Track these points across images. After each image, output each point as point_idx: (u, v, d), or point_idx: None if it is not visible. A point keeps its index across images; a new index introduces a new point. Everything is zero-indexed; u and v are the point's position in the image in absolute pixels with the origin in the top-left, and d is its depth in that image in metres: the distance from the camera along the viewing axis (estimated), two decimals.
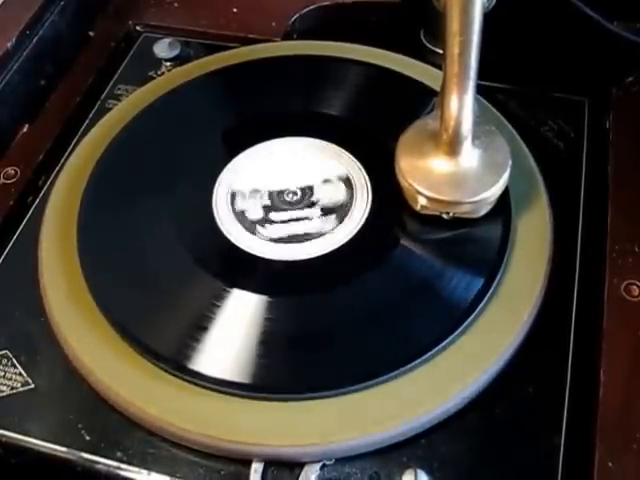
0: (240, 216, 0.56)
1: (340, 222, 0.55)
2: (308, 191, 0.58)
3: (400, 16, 0.73)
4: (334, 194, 0.57)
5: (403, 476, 0.45)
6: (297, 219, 0.56)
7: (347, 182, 0.58)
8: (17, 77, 0.68)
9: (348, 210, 0.56)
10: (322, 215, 0.56)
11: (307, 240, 0.54)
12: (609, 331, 0.51)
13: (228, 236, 0.55)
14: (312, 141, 0.61)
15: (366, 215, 0.55)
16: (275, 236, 0.55)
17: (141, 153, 0.61)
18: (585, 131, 0.63)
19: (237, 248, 0.54)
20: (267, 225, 0.55)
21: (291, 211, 0.56)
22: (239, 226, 0.55)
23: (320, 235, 0.55)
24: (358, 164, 0.59)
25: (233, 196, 0.57)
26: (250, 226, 0.55)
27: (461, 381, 0.48)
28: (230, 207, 0.56)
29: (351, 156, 0.59)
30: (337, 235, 0.55)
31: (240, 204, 0.57)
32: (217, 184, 0.58)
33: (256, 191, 0.58)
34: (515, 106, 0.65)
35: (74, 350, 0.51)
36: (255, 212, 0.56)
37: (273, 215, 0.56)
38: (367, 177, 0.58)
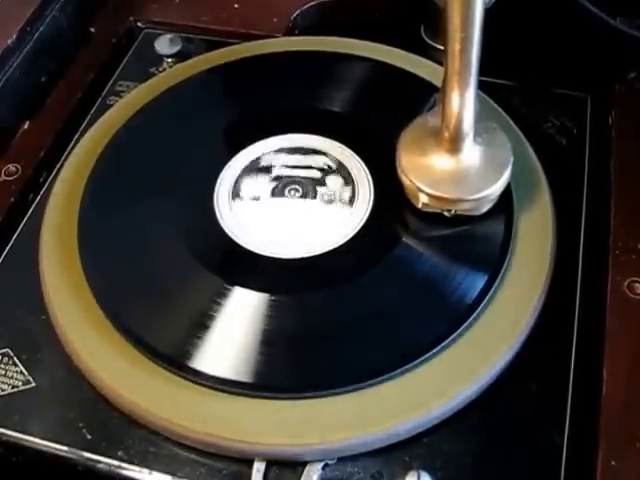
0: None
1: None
2: (307, 184, 0.58)
3: (401, 12, 0.72)
4: (332, 181, 0.58)
5: (406, 477, 0.45)
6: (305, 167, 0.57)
7: (340, 165, 0.59)
8: (18, 73, 0.68)
9: (354, 191, 0.57)
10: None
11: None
12: (612, 329, 0.51)
13: (230, 235, 0.55)
14: (312, 138, 0.61)
15: (368, 213, 0.55)
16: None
17: (143, 150, 0.61)
18: (587, 127, 0.63)
19: (239, 246, 0.54)
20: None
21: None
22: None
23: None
24: (360, 161, 0.58)
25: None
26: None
27: (463, 380, 0.48)
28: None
29: (353, 153, 0.59)
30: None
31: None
32: (219, 182, 0.58)
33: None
34: (517, 102, 0.64)
35: (75, 348, 0.51)
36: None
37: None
38: (369, 174, 0.57)
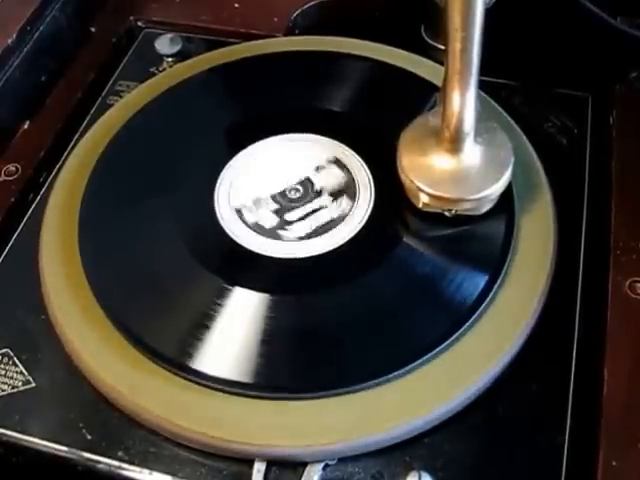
0: (257, 227, 0.55)
1: (353, 200, 0.56)
2: (308, 183, 0.58)
3: (401, 11, 0.72)
4: (332, 178, 0.58)
5: (407, 477, 0.45)
6: (313, 211, 0.56)
7: (338, 162, 0.58)
8: (18, 73, 0.68)
9: (354, 186, 0.57)
10: (334, 200, 0.56)
11: (333, 227, 0.54)
12: (613, 329, 0.51)
13: (230, 235, 0.55)
14: (312, 138, 0.61)
15: (369, 213, 0.55)
16: (303, 234, 0.55)
17: (143, 150, 0.61)
18: (588, 127, 0.63)
19: (239, 246, 0.54)
20: (288, 227, 0.55)
21: (303, 206, 0.56)
22: (261, 237, 0.55)
23: (344, 218, 0.55)
24: (361, 161, 0.58)
25: (239, 212, 0.56)
26: (272, 233, 0.55)
27: (464, 380, 0.48)
28: (241, 222, 0.56)
29: (353, 153, 0.59)
30: (346, 227, 0.55)
31: (250, 217, 0.56)
32: (219, 181, 0.58)
33: (259, 200, 0.57)
34: (518, 102, 0.64)
35: (75, 349, 0.51)
36: (269, 219, 0.56)
37: (288, 216, 0.56)
38: (370, 174, 0.57)
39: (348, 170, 0.58)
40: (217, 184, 0.58)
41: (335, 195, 0.57)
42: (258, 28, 0.73)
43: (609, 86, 0.65)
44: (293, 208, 0.56)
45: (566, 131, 0.62)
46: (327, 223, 0.55)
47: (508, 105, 0.63)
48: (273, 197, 0.57)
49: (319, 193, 0.57)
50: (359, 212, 0.55)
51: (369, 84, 0.64)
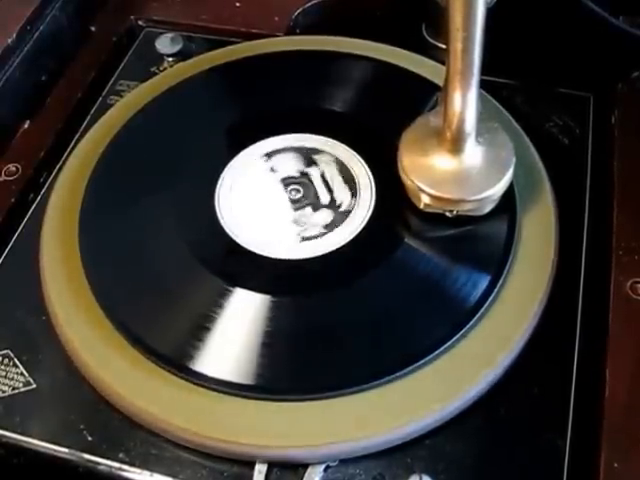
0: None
1: (354, 201, 0.56)
2: (309, 183, 0.58)
3: (402, 10, 0.72)
4: (332, 177, 0.58)
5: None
6: (314, 212, 0.56)
7: (339, 163, 0.59)
8: (18, 73, 0.67)
9: (355, 187, 0.57)
10: (334, 201, 0.56)
11: (334, 228, 0.54)
12: (615, 330, 0.51)
13: (231, 235, 0.54)
14: (313, 137, 0.60)
15: (370, 213, 0.55)
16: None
17: (143, 150, 0.61)
18: (590, 127, 0.62)
19: (240, 247, 0.54)
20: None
21: (304, 207, 0.56)
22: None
23: (344, 219, 0.55)
24: (362, 161, 0.58)
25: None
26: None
27: (465, 381, 0.47)
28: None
29: (354, 153, 0.59)
30: (347, 227, 0.54)
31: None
32: (220, 181, 0.58)
33: (260, 200, 0.57)
34: (519, 102, 0.64)
35: (76, 349, 0.51)
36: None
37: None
38: (371, 174, 0.57)
39: (349, 170, 0.58)
40: (218, 184, 0.58)
41: (336, 196, 0.56)
42: (259, 27, 0.72)
43: (611, 85, 0.65)
44: (294, 209, 0.56)
45: (568, 131, 0.62)
46: (328, 224, 0.55)
47: (509, 104, 0.62)
48: (275, 197, 0.57)
49: (320, 193, 0.57)
50: (360, 213, 0.55)
51: (370, 84, 0.64)
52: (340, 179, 0.57)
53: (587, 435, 0.48)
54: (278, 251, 0.53)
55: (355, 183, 0.57)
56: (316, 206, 0.56)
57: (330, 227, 0.54)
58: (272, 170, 0.59)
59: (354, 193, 0.56)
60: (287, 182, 0.58)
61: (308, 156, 0.59)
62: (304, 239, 0.54)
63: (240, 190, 0.57)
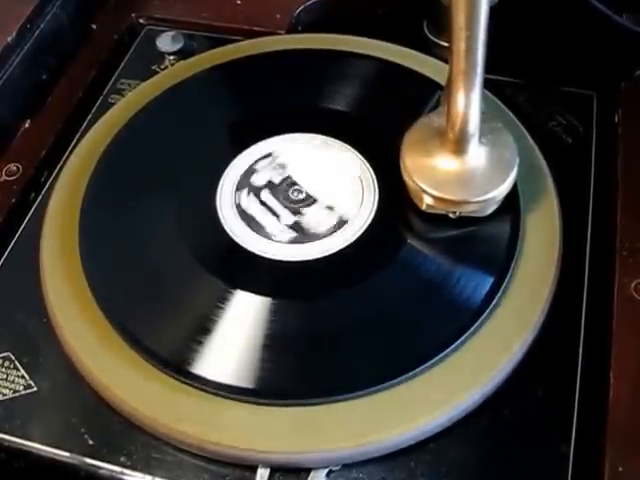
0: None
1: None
2: (310, 184, 0.57)
3: (403, 8, 0.72)
4: (334, 178, 0.58)
5: None
6: (315, 213, 0.56)
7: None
8: (18, 72, 0.67)
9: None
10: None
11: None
12: (619, 331, 0.51)
13: (232, 236, 0.54)
14: (315, 137, 0.60)
15: (372, 214, 0.55)
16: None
17: (144, 150, 0.60)
18: (594, 126, 0.62)
19: (242, 248, 0.54)
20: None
21: (305, 208, 0.56)
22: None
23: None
24: (364, 161, 0.58)
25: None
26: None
27: (469, 385, 0.47)
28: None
29: (357, 153, 0.58)
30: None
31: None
32: (221, 182, 0.57)
33: (261, 201, 0.57)
34: (522, 100, 0.64)
35: (76, 352, 0.50)
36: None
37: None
38: (373, 175, 0.57)
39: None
40: (219, 185, 0.57)
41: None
42: (260, 25, 0.72)
43: (615, 84, 0.64)
44: (295, 210, 0.56)
45: (571, 129, 0.62)
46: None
47: (513, 103, 0.62)
48: (275, 198, 0.56)
49: (321, 195, 0.56)
50: (362, 214, 0.55)
51: (373, 83, 0.63)
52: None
53: (591, 438, 0.47)
54: (279, 253, 0.53)
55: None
56: (318, 207, 0.56)
57: (332, 229, 0.54)
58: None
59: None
60: (289, 183, 0.57)
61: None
62: (305, 240, 0.54)
63: (242, 191, 0.57)
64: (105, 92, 0.69)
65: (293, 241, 0.54)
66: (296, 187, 0.57)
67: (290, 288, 0.52)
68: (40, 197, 0.61)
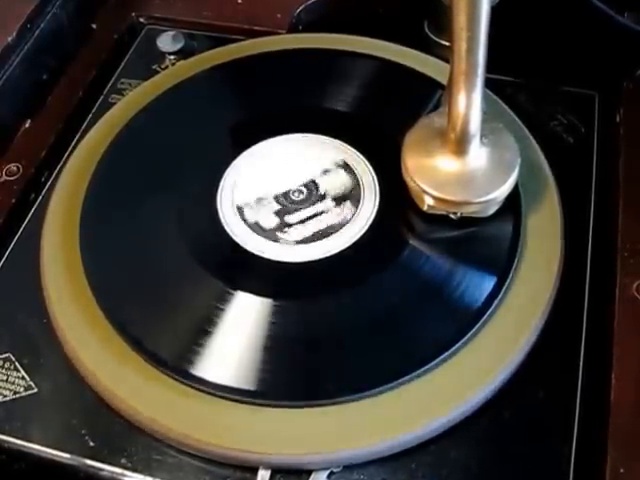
0: (256, 227, 0.55)
1: (357, 206, 0.55)
2: (312, 185, 0.57)
3: (404, 7, 0.72)
4: (337, 181, 0.57)
5: None
6: (314, 215, 0.55)
7: (341, 163, 0.58)
8: (18, 71, 0.67)
9: (359, 193, 0.56)
10: (336, 205, 0.55)
11: (332, 233, 0.54)
12: (620, 332, 0.51)
13: (234, 237, 0.54)
14: (316, 137, 0.60)
15: (373, 215, 0.54)
16: (300, 237, 0.54)
17: (145, 150, 0.60)
18: (595, 125, 0.62)
19: (243, 249, 0.53)
20: (287, 229, 0.54)
21: (304, 209, 0.56)
22: (265, 240, 0.54)
23: (344, 224, 0.54)
24: (365, 161, 0.58)
25: (240, 210, 0.56)
26: (271, 234, 0.54)
27: (471, 386, 0.47)
28: (242, 220, 0.55)
29: (358, 153, 0.58)
30: (350, 229, 0.54)
31: (251, 216, 0.55)
32: (222, 182, 0.57)
33: (261, 199, 0.57)
34: (524, 100, 0.64)
35: (77, 353, 0.50)
36: (269, 220, 0.55)
37: (291, 218, 0.55)
38: (374, 175, 0.57)
39: (352, 171, 0.57)
40: (220, 185, 0.57)
41: (339, 197, 0.56)
42: (261, 24, 0.72)
43: (616, 83, 0.64)
44: (296, 210, 0.55)
45: (573, 129, 0.62)
46: (331, 226, 0.54)
47: (514, 103, 0.62)
48: (276, 199, 0.56)
49: (323, 195, 0.56)
50: (363, 214, 0.55)
51: (374, 82, 0.63)
52: (343, 181, 0.57)
53: (593, 439, 0.47)
54: (281, 254, 0.53)
55: (359, 184, 0.56)
56: (319, 208, 0.55)
57: (333, 229, 0.54)
58: (274, 171, 0.58)
59: (357, 195, 0.56)
60: (289, 183, 0.57)
61: (310, 156, 0.59)
62: (306, 241, 0.53)
63: (243, 191, 0.57)
64: (105, 92, 0.68)
65: (294, 242, 0.54)
66: (297, 188, 0.57)
67: (291, 289, 0.52)
68: (40, 197, 0.61)
